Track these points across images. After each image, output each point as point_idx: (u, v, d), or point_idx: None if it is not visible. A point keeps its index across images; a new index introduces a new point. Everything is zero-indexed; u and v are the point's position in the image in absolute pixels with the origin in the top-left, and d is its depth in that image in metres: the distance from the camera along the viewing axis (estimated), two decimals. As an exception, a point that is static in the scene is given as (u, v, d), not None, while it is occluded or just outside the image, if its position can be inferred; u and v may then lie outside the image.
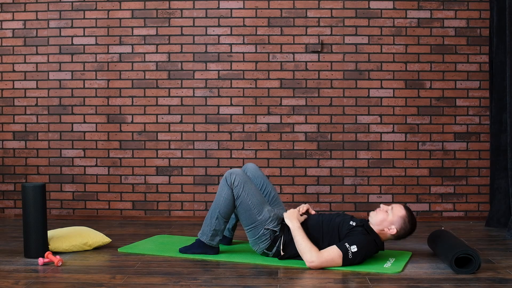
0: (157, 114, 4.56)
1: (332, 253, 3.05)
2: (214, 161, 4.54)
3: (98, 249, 3.55)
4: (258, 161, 4.53)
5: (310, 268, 3.05)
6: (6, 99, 4.61)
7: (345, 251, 3.03)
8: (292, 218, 3.20)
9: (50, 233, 3.48)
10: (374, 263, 3.15)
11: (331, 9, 4.50)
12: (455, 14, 4.48)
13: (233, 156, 4.54)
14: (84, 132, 4.58)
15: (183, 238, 3.84)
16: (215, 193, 4.49)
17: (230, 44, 4.53)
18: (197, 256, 3.33)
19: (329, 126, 4.52)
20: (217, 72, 4.54)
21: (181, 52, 4.55)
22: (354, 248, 3.03)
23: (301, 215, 3.27)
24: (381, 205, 3.24)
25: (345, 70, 4.51)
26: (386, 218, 3.17)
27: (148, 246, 3.58)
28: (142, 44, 4.54)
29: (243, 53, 4.52)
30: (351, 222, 3.19)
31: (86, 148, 4.58)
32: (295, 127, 4.52)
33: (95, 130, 4.58)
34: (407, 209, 3.20)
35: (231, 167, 4.53)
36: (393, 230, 3.16)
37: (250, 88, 4.53)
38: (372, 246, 3.13)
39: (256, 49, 4.52)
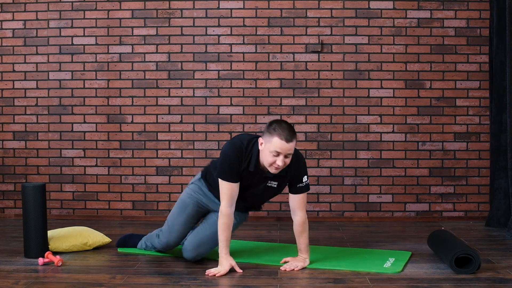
0: (157, 114, 4.56)
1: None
2: (214, 161, 4.54)
3: (98, 249, 3.55)
4: (258, 161, 4.52)
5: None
6: (6, 99, 4.61)
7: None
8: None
9: (50, 233, 3.48)
10: (374, 263, 3.15)
11: (331, 9, 4.50)
12: (455, 14, 4.48)
13: (233, 156, 4.53)
14: (84, 132, 4.58)
15: (183, 238, 3.84)
16: (215, 193, 4.50)
17: (230, 44, 4.53)
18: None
19: (329, 126, 4.52)
20: (217, 72, 4.54)
21: (181, 52, 4.55)
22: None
23: None
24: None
25: (345, 70, 4.51)
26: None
27: (148, 246, 3.59)
28: (142, 44, 4.54)
29: (243, 53, 4.52)
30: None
31: (86, 148, 4.58)
32: (295, 127, 4.52)
33: (95, 130, 4.58)
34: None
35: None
36: (261, 142, 2.97)
37: (250, 88, 4.53)
38: (234, 154, 2.99)
39: (256, 49, 4.52)
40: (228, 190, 3.00)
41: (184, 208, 3.27)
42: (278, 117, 4.50)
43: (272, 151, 2.89)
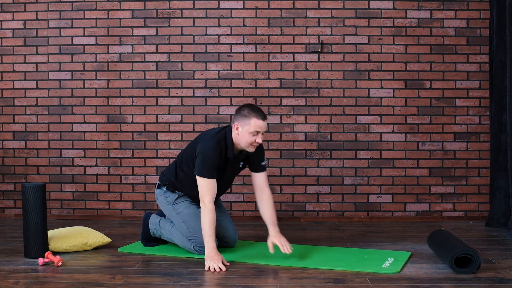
0: (157, 114, 4.56)
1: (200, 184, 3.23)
2: (214, 161, 4.53)
3: (98, 249, 3.55)
4: (258, 161, 4.52)
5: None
6: (6, 99, 4.61)
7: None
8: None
9: (50, 233, 3.48)
10: (373, 263, 3.15)
11: (331, 9, 4.50)
12: (455, 14, 4.48)
13: (233, 156, 4.53)
14: (84, 132, 4.58)
15: (183, 238, 3.84)
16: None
17: (230, 44, 4.53)
18: (197, 256, 3.33)
19: (329, 126, 4.52)
20: (217, 72, 4.54)
21: (181, 52, 4.55)
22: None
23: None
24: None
25: (345, 70, 4.51)
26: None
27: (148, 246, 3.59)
28: (142, 44, 4.54)
29: (243, 53, 4.52)
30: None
31: (86, 148, 4.58)
32: (295, 127, 4.52)
33: (95, 130, 4.58)
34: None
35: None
36: (235, 126, 3.25)
37: (250, 88, 4.53)
38: (216, 151, 3.25)
39: (256, 49, 4.52)
40: (210, 186, 3.23)
41: (195, 214, 3.40)
42: (278, 117, 4.51)
43: (252, 131, 3.22)
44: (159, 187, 3.54)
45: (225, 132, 3.31)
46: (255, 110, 3.25)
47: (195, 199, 3.42)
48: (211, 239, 3.15)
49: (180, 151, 3.85)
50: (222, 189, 3.46)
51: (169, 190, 3.50)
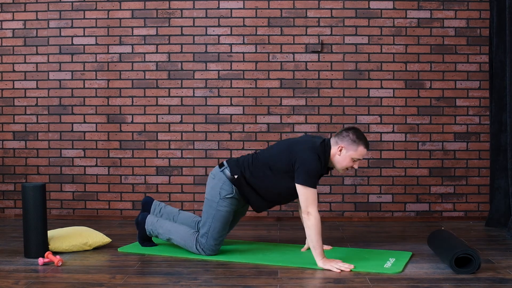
0: (157, 114, 4.56)
1: (304, 193, 3.18)
2: (214, 161, 4.54)
3: (98, 249, 3.55)
4: (258, 161, 4.52)
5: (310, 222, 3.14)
6: (6, 99, 4.61)
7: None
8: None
9: (50, 233, 3.48)
10: (374, 263, 3.15)
11: (331, 9, 4.50)
12: (455, 14, 4.48)
13: (233, 156, 4.54)
14: (84, 132, 4.58)
15: (183, 238, 3.83)
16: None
17: (230, 44, 4.53)
18: (197, 256, 3.33)
19: (329, 126, 4.52)
20: (217, 72, 4.54)
21: (181, 52, 4.55)
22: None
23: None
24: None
25: (345, 70, 4.51)
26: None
27: (148, 246, 3.58)
28: (142, 44, 4.55)
29: (243, 53, 4.52)
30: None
31: (86, 148, 4.58)
32: (295, 127, 4.52)
33: (95, 130, 4.58)
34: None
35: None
36: (339, 147, 3.25)
37: (250, 88, 4.53)
38: (319, 162, 3.22)
39: (256, 49, 4.52)
40: (315, 196, 3.18)
41: (227, 222, 3.38)
42: (278, 117, 4.51)
43: (355, 158, 3.24)
44: (224, 171, 3.36)
45: (325, 147, 3.27)
46: (363, 137, 3.25)
47: (256, 201, 3.38)
48: (321, 248, 3.12)
49: (259, 150, 3.58)
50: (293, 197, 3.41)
51: (232, 182, 3.34)
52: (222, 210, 3.34)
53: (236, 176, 3.32)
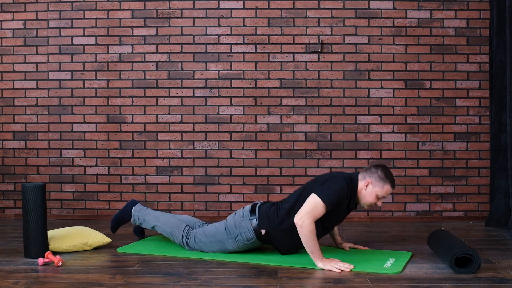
0: (157, 114, 4.56)
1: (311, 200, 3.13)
2: (214, 161, 4.54)
3: (98, 249, 3.55)
4: (258, 161, 4.53)
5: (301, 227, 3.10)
6: (6, 99, 4.61)
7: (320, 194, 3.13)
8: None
9: (50, 233, 3.48)
10: (374, 263, 3.15)
11: (331, 9, 4.50)
12: (455, 14, 4.48)
13: (233, 156, 4.54)
14: (84, 132, 4.58)
15: (183, 238, 3.83)
16: (215, 193, 4.50)
17: (230, 44, 4.53)
18: (197, 256, 3.33)
19: (329, 126, 4.52)
20: (217, 72, 4.54)
21: (181, 52, 4.55)
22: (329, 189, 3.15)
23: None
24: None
25: (345, 70, 4.51)
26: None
27: (148, 246, 3.58)
28: (142, 44, 4.55)
29: (243, 53, 4.52)
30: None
31: (86, 148, 4.58)
32: (295, 127, 4.52)
33: (95, 130, 4.58)
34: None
35: (231, 167, 4.53)
36: (366, 182, 3.23)
37: (250, 88, 4.53)
38: (345, 190, 3.18)
39: (256, 49, 4.52)
40: (319, 210, 3.11)
41: (224, 251, 3.39)
42: (278, 117, 4.51)
43: (380, 195, 3.22)
44: (252, 221, 3.29)
45: (353, 179, 3.24)
46: (390, 176, 3.24)
47: (284, 246, 3.33)
48: (318, 251, 3.09)
49: (284, 199, 3.39)
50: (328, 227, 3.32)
51: (255, 233, 3.28)
52: (228, 246, 3.35)
53: (263, 231, 3.28)
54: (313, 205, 3.10)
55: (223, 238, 3.34)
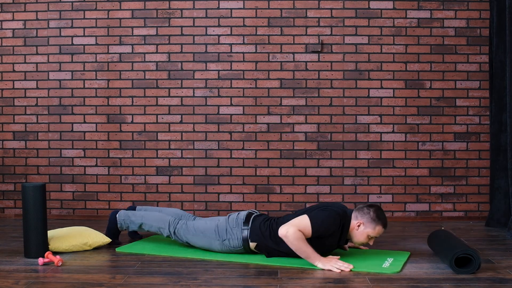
0: (157, 114, 4.56)
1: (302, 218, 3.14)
2: (214, 161, 4.54)
3: (98, 249, 3.55)
4: (258, 161, 4.53)
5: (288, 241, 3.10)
6: (6, 99, 4.61)
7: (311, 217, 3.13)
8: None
9: (50, 233, 3.48)
10: (373, 263, 3.15)
11: (331, 9, 4.50)
12: (455, 14, 4.48)
13: (233, 156, 4.54)
14: (84, 132, 4.58)
15: (183, 238, 3.84)
16: (215, 193, 4.51)
17: (230, 44, 4.53)
18: (197, 256, 3.33)
19: (329, 126, 4.52)
20: (217, 72, 4.54)
21: (181, 52, 4.55)
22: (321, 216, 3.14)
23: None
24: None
25: (345, 70, 4.51)
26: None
27: (148, 246, 3.58)
28: (142, 44, 4.55)
29: (243, 53, 4.52)
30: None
31: (86, 148, 4.58)
32: (295, 127, 4.52)
33: (95, 130, 4.58)
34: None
35: (231, 167, 4.53)
36: (358, 222, 3.20)
37: (250, 88, 4.53)
38: (336, 222, 3.16)
39: (256, 49, 4.52)
40: (307, 229, 3.10)
41: (206, 240, 3.40)
42: (278, 117, 4.51)
43: (371, 236, 3.21)
44: (243, 231, 3.30)
45: (346, 216, 3.22)
46: (383, 217, 3.21)
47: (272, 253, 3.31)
48: (314, 253, 3.09)
49: (280, 218, 3.36)
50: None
51: (244, 244, 3.31)
52: (214, 246, 3.37)
53: (255, 244, 3.30)
54: (300, 221, 3.12)
55: (211, 238, 3.36)
